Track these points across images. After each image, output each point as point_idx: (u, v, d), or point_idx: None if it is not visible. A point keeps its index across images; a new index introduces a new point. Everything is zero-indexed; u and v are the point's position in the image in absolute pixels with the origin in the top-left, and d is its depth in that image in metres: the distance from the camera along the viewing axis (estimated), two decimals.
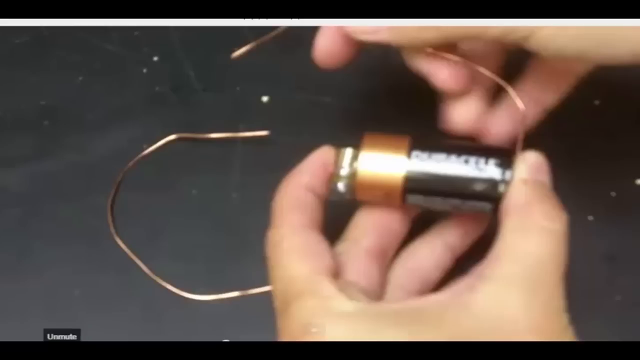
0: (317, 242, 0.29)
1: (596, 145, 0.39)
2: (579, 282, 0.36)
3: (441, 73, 0.31)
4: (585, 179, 0.38)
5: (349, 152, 0.32)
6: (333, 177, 0.32)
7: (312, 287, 0.28)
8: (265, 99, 0.42)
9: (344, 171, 0.31)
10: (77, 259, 0.38)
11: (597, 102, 0.40)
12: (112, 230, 0.38)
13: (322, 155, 0.32)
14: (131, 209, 0.39)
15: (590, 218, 0.38)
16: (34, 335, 0.36)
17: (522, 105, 0.30)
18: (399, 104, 0.40)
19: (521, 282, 0.26)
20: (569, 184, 0.37)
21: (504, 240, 0.27)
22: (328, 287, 0.27)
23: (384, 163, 0.31)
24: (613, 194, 0.38)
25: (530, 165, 0.29)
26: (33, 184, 0.40)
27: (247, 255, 0.36)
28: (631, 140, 0.39)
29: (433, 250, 0.33)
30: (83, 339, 0.35)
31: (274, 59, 0.42)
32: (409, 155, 0.30)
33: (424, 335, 0.26)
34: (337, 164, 0.32)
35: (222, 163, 0.40)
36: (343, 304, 0.27)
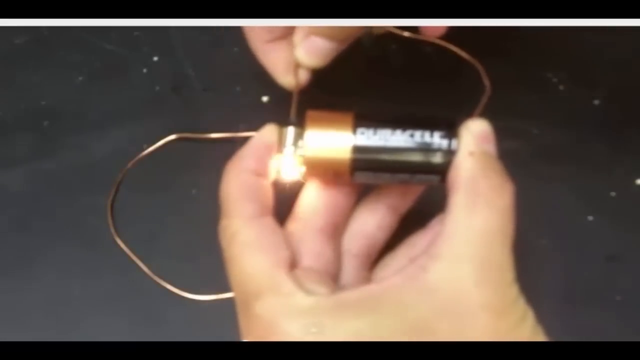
0: (272, 232, 0.29)
1: (596, 145, 0.39)
2: (579, 282, 0.36)
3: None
4: (585, 179, 0.38)
5: (291, 130, 0.31)
6: (278, 157, 0.31)
7: (271, 284, 0.27)
8: (265, 99, 0.42)
9: (289, 150, 0.31)
10: (77, 259, 0.38)
11: (597, 102, 0.40)
12: (112, 230, 0.38)
13: (264, 136, 0.31)
14: (131, 209, 0.39)
15: (590, 218, 0.38)
16: (34, 335, 0.36)
17: (488, 82, 0.30)
18: (400, 103, 0.40)
19: (471, 258, 0.26)
20: (568, 184, 0.38)
21: (452, 217, 0.27)
22: (287, 283, 0.27)
23: (330, 142, 0.30)
24: (613, 194, 0.38)
25: (475, 135, 0.29)
26: (33, 184, 0.40)
27: None
28: (631, 140, 0.39)
29: (375, 212, 0.33)
30: (83, 339, 0.35)
31: None
32: (354, 132, 0.29)
33: (385, 323, 0.26)
34: (281, 143, 0.31)
35: (222, 163, 0.40)
36: (303, 299, 0.27)
